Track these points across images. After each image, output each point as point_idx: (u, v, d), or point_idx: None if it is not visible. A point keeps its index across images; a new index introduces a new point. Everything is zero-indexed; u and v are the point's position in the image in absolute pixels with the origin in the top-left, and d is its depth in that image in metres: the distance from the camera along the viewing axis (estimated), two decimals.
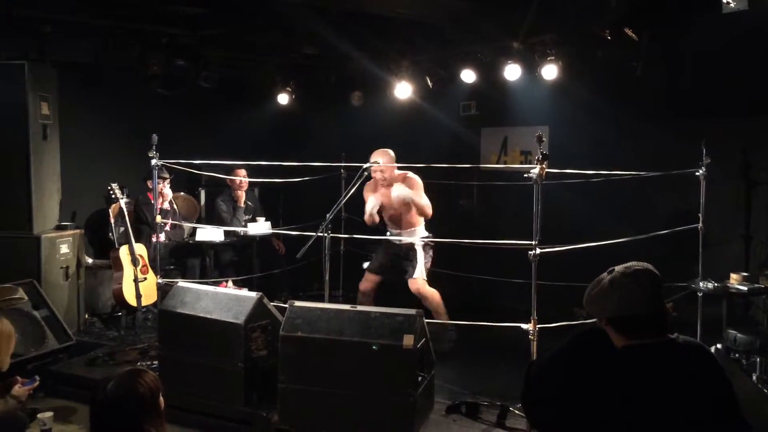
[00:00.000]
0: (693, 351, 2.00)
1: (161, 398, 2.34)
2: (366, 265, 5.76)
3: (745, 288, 4.83)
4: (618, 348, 1.98)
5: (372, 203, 5.35)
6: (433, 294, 5.42)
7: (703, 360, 1.99)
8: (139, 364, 4.97)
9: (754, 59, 5.31)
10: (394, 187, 5.30)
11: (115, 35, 6.30)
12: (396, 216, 5.53)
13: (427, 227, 5.60)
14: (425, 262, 5.47)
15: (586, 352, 1.88)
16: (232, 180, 7.05)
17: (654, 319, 1.96)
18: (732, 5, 4.35)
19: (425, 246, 5.48)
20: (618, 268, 2.02)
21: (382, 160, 5.29)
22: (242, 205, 7.17)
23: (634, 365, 1.92)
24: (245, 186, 7.23)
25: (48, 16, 5.82)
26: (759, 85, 5.35)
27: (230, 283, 6.43)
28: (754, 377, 4.53)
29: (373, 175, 5.32)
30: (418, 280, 5.41)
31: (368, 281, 5.68)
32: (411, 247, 5.50)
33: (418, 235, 5.51)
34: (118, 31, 6.25)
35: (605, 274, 2.03)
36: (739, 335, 4.78)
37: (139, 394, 2.24)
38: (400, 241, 5.51)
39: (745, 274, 4.95)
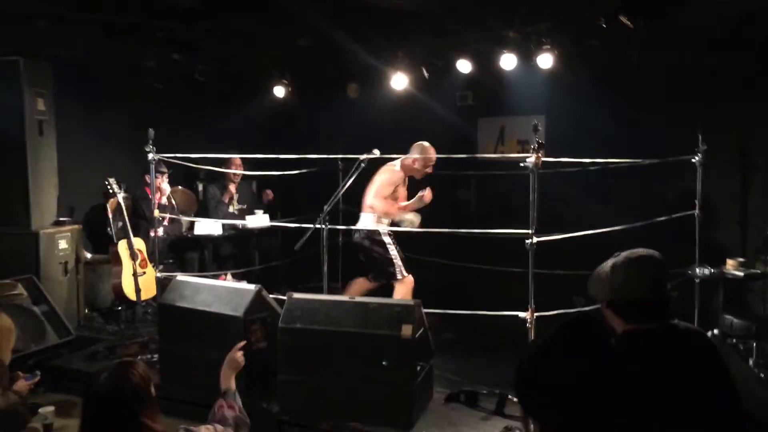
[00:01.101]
0: (692, 337, 2.01)
1: (153, 388, 2.38)
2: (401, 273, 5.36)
3: (742, 273, 4.86)
4: (617, 333, 1.99)
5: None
6: None
7: (703, 347, 2.00)
8: (139, 357, 5.00)
9: (750, 45, 5.30)
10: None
11: (111, 30, 6.29)
12: None
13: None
14: None
15: (580, 338, 1.89)
16: (227, 170, 7.07)
17: (656, 305, 1.97)
18: None
19: None
20: (623, 252, 2.05)
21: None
22: (234, 194, 7.22)
23: (634, 351, 1.92)
24: (239, 177, 7.26)
25: (43, 12, 5.81)
26: (756, 71, 5.36)
27: (229, 276, 6.45)
28: (751, 362, 4.57)
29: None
30: None
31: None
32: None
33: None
34: (114, 25, 6.23)
35: (610, 258, 2.06)
36: (735, 320, 4.80)
37: (133, 384, 2.28)
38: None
39: (742, 259, 4.97)
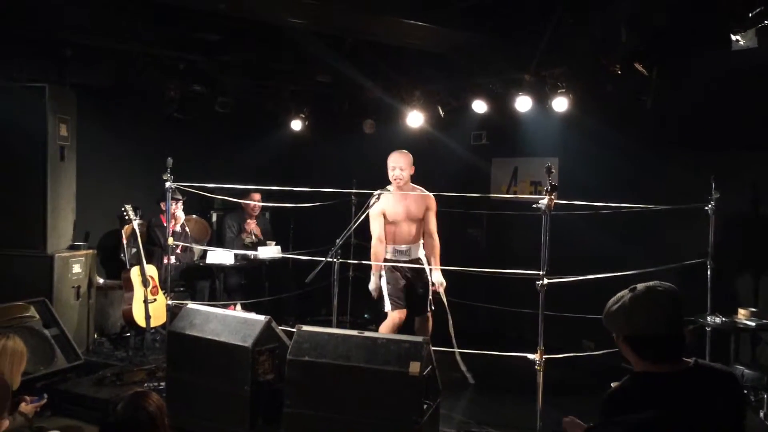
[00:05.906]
0: (715, 383, 1.96)
1: (166, 419, 2.40)
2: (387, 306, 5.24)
3: (753, 323, 4.81)
4: (635, 372, 1.95)
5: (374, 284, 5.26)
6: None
7: (724, 393, 1.95)
8: (146, 385, 5.00)
9: (763, 95, 5.34)
10: (434, 273, 5.25)
11: (135, 60, 6.44)
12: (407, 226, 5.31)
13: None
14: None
15: None
16: (246, 204, 7.15)
17: (672, 342, 1.93)
18: (741, 43, 4.41)
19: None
20: (640, 286, 2.00)
21: (401, 160, 5.26)
22: (249, 228, 7.30)
23: (648, 397, 1.88)
24: (258, 211, 7.35)
25: (69, 41, 5.98)
26: None
27: (239, 307, 6.47)
28: (761, 414, 4.50)
29: (391, 174, 5.23)
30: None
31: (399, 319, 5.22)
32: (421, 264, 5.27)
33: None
34: (138, 55, 6.39)
35: (626, 291, 2.01)
36: (747, 371, 4.75)
37: (150, 414, 2.30)
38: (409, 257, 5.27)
39: (754, 309, 4.93)
